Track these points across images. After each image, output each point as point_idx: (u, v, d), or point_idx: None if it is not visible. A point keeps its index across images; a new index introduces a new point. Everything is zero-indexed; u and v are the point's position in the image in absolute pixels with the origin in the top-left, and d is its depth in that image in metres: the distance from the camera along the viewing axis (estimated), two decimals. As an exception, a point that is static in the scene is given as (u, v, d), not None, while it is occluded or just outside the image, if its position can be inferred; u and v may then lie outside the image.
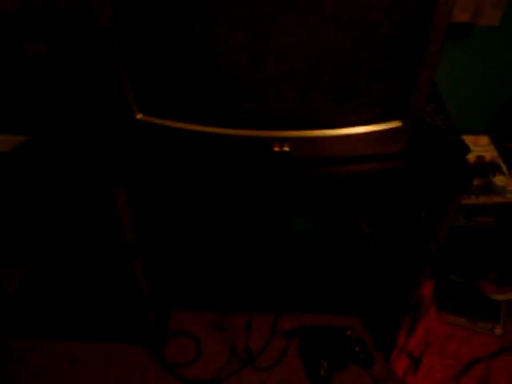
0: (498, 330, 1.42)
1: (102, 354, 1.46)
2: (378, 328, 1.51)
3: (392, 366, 1.43)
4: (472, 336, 1.42)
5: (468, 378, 1.37)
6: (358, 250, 1.47)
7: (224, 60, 0.87)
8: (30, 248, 1.63)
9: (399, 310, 1.37)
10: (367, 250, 1.46)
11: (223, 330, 1.52)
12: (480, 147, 1.44)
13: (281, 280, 1.44)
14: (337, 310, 1.54)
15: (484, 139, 1.46)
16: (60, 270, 1.61)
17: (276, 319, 1.44)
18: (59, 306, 1.53)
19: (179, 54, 0.87)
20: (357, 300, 1.49)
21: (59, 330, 1.50)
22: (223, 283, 1.46)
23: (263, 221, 1.47)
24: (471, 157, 1.40)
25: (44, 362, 1.44)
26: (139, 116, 0.97)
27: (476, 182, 1.36)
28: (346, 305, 1.51)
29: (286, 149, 0.97)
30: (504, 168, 1.40)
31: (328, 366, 1.39)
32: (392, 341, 1.44)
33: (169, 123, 0.97)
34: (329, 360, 1.40)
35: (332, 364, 1.40)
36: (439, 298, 1.49)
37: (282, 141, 0.96)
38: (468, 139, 1.30)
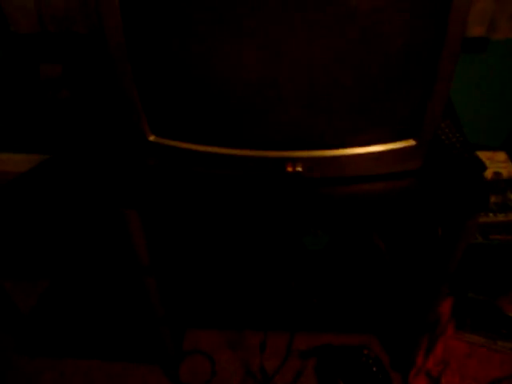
0: (519, 350, 1.38)
1: (118, 374, 1.45)
2: (396, 347, 1.48)
3: (410, 387, 1.40)
4: (492, 355, 1.39)
5: (489, 399, 1.34)
6: (373, 269, 1.45)
7: (235, 82, 0.87)
8: (46, 267, 1.65)
9: (417, 329, 1.35)
10: (383, 269, 1.45)
11: (238, 349, 1.50)
12: (497, 163, 1.41)
13: (295, 299, 1.42)
14: (353, 328, 1.51)
15: (501, 155, 1.44)
16: (75, 288, 1.62)
17: (291, 339, 1.42)
18: (74, 325, 1.53)
19: (191, 77, 0.87)
20: (374, 319, 1.47)
21: (74, 349, 1.50)
22: (238, 302, 1.45)
23: (277, 240, 1.46)
24: (488, 173, 1.38)
25: (59, 382, 1.44)
26: (152, 138, 0.97)
27: (493, 199, 1.34)
28: (362, 323, 1.49)
29: (299, 169, 0.96)
30: (522, 184, 1.38)
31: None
32: (410, 360, 1.41)
33: (182, 145, 0.97)
34: (345, 380, 1.38)
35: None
36: (458, 316, 1.45)
37: (295, 161, 0.96)
38: (484, 156, 1.29)
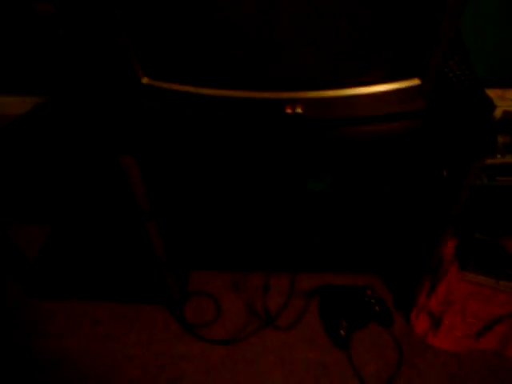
0: (522, 289, 1.39)
1: (124, 315, 1.48)
2: (399, 287, 1.49)
3: (412, 326, 1.42)
4: (494, 295, 1.39)
5: (489, 336, 1.36)
6: (377, 210, 1.43)
7: (232, 16, 0.82)
8: (50, 210, 1.65)
9: (420, 269, 1.35)
10: (387, 210, 1.43)
11: (242, 290, 1.52)
12: (507, 101, 1.36)
13: (298, 240, 1.42)
14: (356, 269, 1.52)
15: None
16: (79, 233, 1.63)
17: (294, 279, 1.43)
18: (81, 268, 1.55)
19: (184, 13, 0.82)
20: (377, 259, 1.47)
21: (82, 292, 1.53)
22: (242, 244, 1.45)
23: (280, 181, 1.44)
24: (497, 112, 1.33)
25: (70, 323, 1.48)
26: (145, 80, 0.93)
27: (501, 139, 1.29)
28: (365, 264, 1.49)
29: (299, 110, 0.92)
30: (532, 123, 1.33)
31: (348, 326, 1.39)
32: (412, 300, 1.42)
33: (177, 87, 0.93)
34: (348, 319, 1.40)
35: (352, 323, 1.40)
36: (461, 256, 1.45)
37: (295, 102, 0.92)
38: (494, 93, 1.23)
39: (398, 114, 0.96)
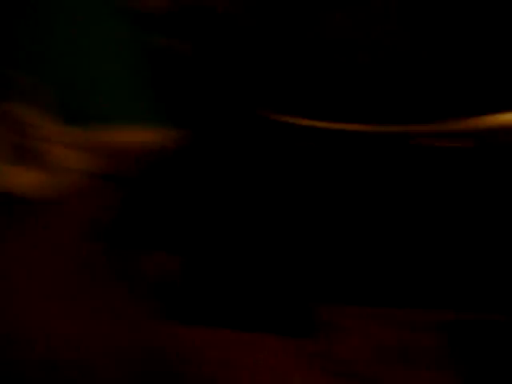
0: None
1: (250, 342, 1.50)
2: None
3: None
4: None
5: None
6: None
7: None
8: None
9: None
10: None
11: (372, 323, 1.47)
12: None
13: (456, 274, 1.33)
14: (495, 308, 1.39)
15: None
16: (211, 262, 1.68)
17: (428, 314, 1.35)
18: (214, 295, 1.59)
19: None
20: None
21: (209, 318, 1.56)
22: (376, 276, 1.40)
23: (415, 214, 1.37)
24: None
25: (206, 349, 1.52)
26: (265, 113, 0.95)
27: None
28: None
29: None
30: None
31: (483, 370, 1.28)
32: None
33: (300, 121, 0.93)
34: (485, 363, 1.28)
35: (488, 367, 1.28)
36: None
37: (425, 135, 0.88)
38: None
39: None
